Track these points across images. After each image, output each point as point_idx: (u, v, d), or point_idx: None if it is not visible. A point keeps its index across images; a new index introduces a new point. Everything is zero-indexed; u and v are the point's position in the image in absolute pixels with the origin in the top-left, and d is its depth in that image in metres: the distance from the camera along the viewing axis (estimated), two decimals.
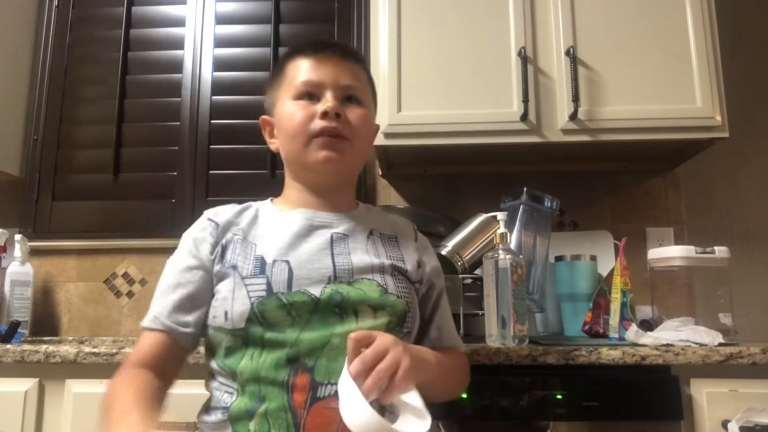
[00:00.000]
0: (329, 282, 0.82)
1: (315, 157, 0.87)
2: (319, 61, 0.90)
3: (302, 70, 0.90)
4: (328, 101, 0.87)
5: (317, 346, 0.78)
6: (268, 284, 0.81)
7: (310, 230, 0.88)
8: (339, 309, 0.81)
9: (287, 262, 0.83)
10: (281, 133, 0.92)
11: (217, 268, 0.85)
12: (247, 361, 0.79)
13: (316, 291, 0.81)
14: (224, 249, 0.86)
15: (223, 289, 0.83)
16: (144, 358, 0.82)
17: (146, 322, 0.84)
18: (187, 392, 0.89)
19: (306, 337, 0.78)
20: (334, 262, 0.84)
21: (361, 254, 0.87)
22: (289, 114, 0.89)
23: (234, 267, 0.83)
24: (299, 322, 0.79)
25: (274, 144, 0.96)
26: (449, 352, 0.94)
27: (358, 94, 0.91)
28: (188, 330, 0.83)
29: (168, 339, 0.83)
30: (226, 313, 0.80)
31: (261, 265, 0.83)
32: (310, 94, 0.89)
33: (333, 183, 0.93)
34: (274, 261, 0.83)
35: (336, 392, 0.72)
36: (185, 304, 0.84)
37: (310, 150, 0.87)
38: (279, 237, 0.86)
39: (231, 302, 0.80)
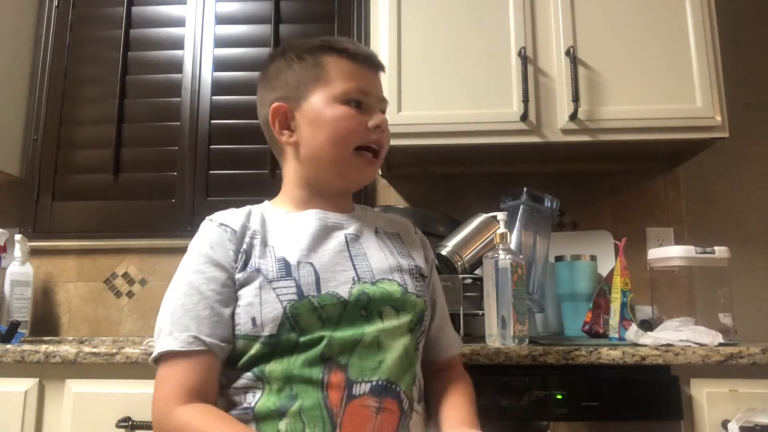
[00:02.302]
0: (354, 283, 0.82)
1: (359, 170, 0.89)
2: (366, 68, 0.90)
3: (351, 73, 0.88)
4: (379, 115, 0.89)
5: (349, 345, 0.77)
6: (298, 287, 0.79)
7: (325, 231, 0.87)
8: (365, 311, 0.81)
9: (311, 264, 0.81)
10: (318, 131, 0.86)
11: (239, 275, 0.80)
12: (277, 362, 0.76)
13: (343, 293, 0.80)
14: (247, 254, 0.82)
15: (246, 294, 0.79)
16: (195, 386, 0.75)
17: (182, 344, 0.75)
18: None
19: (338, 335, 0.77)
20: (354, 264, 0.84)
21: (377, 254, 0.87)
22: (340, 117, 0.85)
23: (258, 270, 0.80)
24: (329, 324, 0.78)
25: (291, 137, 0.89)
26: (466, 382, 0.94)
27: (386, 108, 0.93)
28: (229, 345, 0.79)
29: (211, 359, 0.77)
30: (253, 320, 0.77)
31: (286, 268, 0.80)
32: (358, 101, 0.87)
33: (350, 190, 0.95)
34: (299, 263, 0.81)
35: (370, 390, 0.75)
36: (221, 318, 0.78)
37: (355, 162, 0.87)
38: (296, 238, 0.84)
39: (259, 307, 0.77)
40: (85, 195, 1.88)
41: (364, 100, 0.88)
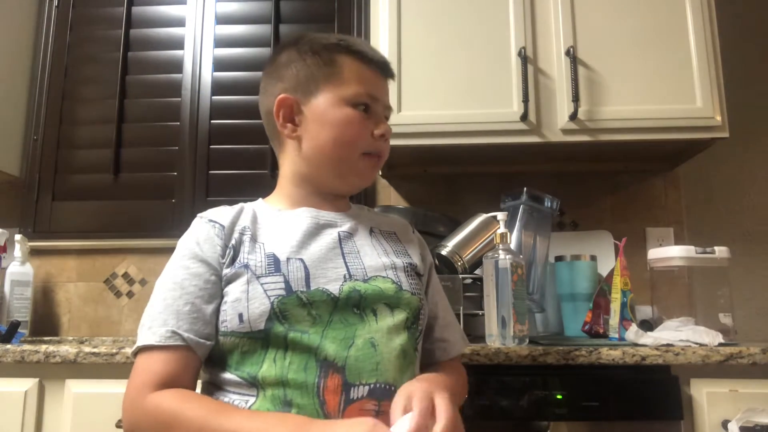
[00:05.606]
0: (345, 280, 0.80)
1: (360, 173, 0.89)
2: (378, 74, 0.90)
3: (364, 77, 0.88)
4: (384, 123, 0.89)
5: (344, 346, 0.75)
6: (287, 282, 0.77)
7: (317, 229, 0.86)
8: (357, 308, 0.79)
9: (301, 260, 0.80)
10: (323, 130, 0.86)
11: (227, 270, 0.80)
12: (270, 366, 0.74)
13: (334, 289, 0.79)
14: (235, 250, 0.81)
15: (234, 290, 0.78)
16: (170, 377, 0.74)
17: (159, 339, 0.75)
18: None
19: (332, 336, 0.76)
20: (345, 262, 0.83)
21: (370, 252, 0.86)
22: (349, 121, 0.86)
23: (246, 266, 0.79)
24: (320, 322, 0.76)
25: (294, 131, 0.88)
26: (454, 368, 0.94)
27: (390, 116, 0.94)
28: (210, 342, 0.77)
29: (189, 355, 0.76)
30: (240, 316, 0.76)
31: (275, 263, 0.79)
32: (366, 106, 0.87)
33: (346, 193, 0.95)
34: (288, 259, 0.80)
35: (369, 393, 0.74)
36: (202, 315, 0.77)
37: (358, 165, 0.88)
38: (287, 235, 0.83)
39: (246, 303, 0.76)
40: (85, 195, 1.88)
41: (372, 106, 0.88)
